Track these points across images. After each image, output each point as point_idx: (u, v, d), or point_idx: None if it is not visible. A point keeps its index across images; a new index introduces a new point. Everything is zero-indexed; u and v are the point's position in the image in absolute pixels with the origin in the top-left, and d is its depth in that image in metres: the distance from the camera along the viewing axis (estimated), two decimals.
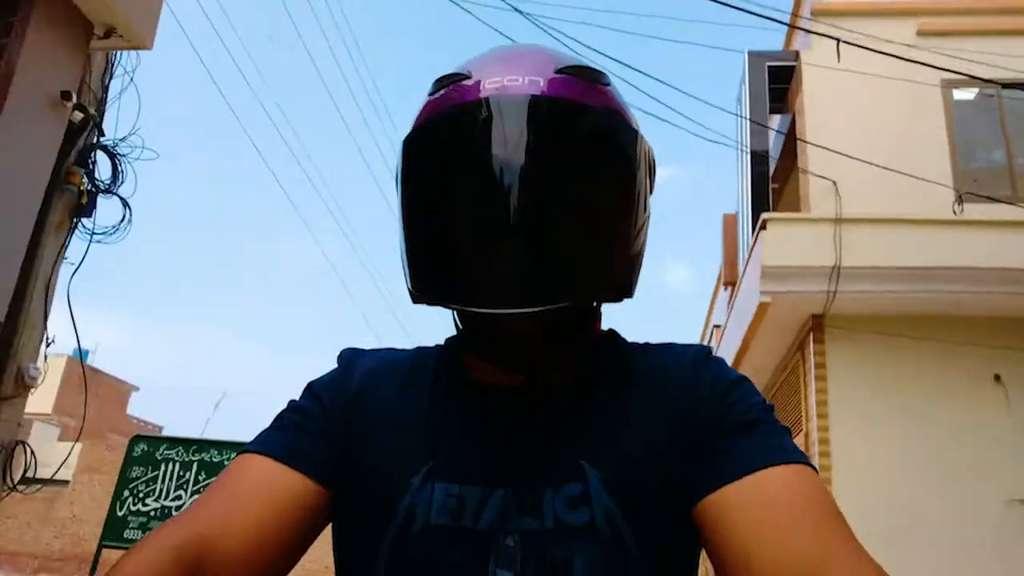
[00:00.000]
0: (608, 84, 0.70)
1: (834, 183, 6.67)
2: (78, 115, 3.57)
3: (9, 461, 3.40)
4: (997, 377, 6.31)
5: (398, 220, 0.71)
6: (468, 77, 0.67)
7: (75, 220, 3.75)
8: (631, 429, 0.68)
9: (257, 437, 0.72)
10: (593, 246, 0.66)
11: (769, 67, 7.92)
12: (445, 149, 0.67)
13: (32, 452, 3.53)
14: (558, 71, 0.67)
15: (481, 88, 0.65)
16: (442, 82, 0.69)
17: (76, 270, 3.74)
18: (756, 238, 6.57)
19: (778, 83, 8.09)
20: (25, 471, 3.49)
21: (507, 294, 0.62)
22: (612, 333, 0.79)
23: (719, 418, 0.67)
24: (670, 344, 0.78)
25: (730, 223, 10.05)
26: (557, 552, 0.63)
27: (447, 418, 0.71)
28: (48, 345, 3.64)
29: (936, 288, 6.11)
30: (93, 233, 3.84)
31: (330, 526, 0.74)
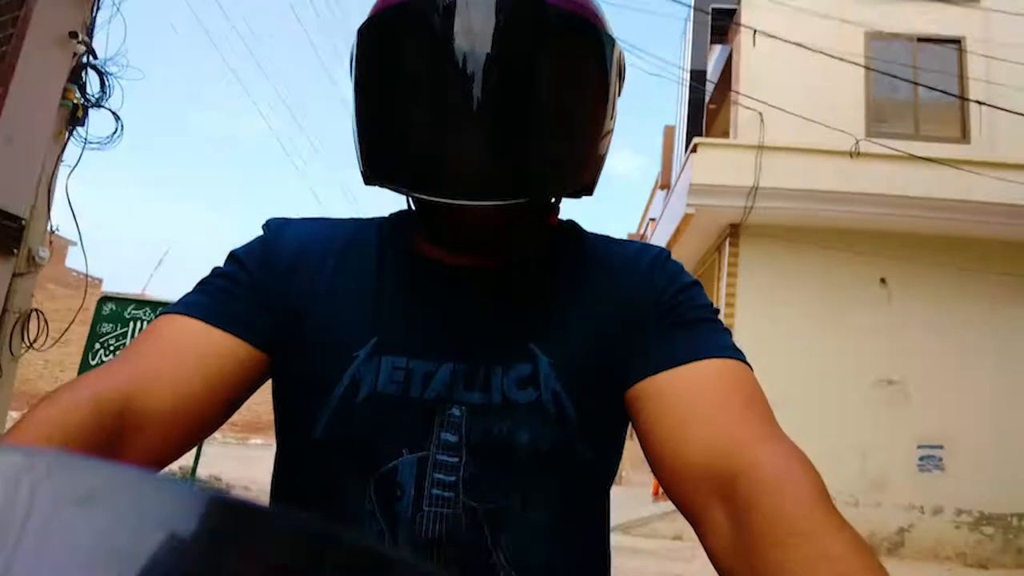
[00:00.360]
0: None
1: (760, 114, 7.65)
2: (81, 47, 4.27)
3: (26, 324, 4.11)
4: (883, 280, 7.55)
5: (353, 104, 0.68)
6: None
7: (71, 129, 4.37)
8: (582, 315, 0.69)
9: (179, 300, 0.69)
10: (559, 142, 0.65)
11: (713, 9, 8.73)
12: (410, 32, 0.65)
13: (45, 318, 4.16)
14: None
15: None
16: None
17: (72, 172, 4.38)
18: (687, 158, 7.60)
19: (721, 19, 8.93)
20: (39, 334, 4.12)
21: (468, 184, 0.61)
22: (571, 223, 0.79)
23: (666, 313, 0.69)
24: (629, 240, 0.78)
25: (669, 135, 11.17)
26: (503, 423, 0.64)
27: (394, 292, 0.70)
28: (52, 232, 4.38)
29: (838, 208, 7.24)
30: (87, 142, 4.47)
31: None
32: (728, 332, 0.69)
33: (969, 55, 7.94)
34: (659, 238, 9.35)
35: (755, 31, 7.87)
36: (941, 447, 7.17)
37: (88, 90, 4.50)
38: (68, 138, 4.54)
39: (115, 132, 4.64)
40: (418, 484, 0.64)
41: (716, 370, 0.64)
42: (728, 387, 0.62)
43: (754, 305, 7.51)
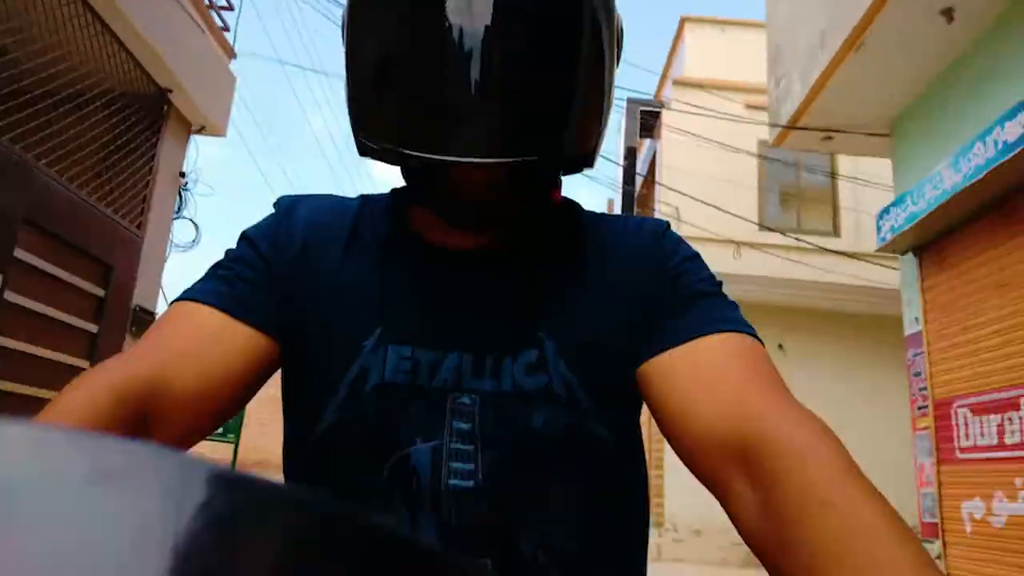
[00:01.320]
0: None
1: (677, 208, 9.35)
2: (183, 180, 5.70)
3: None
4: (780, 346, 9.27)
5: (345, 66, 0.64)
6: None
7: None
8: (587, 298, 0.69)
9: (192, 286, 0.68)
10: (564, 101, 0.62)
11: (641, 111, 10.48)
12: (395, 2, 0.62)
13: None
14: None
15: None
16: None
17: (164, 269, 5.80)
18: None
19: (646, 120, 10.68)
20: None
21: (469, 142, 0.57)
22: (570, 202, 0.77)
23: (669, 290, 0.68)
24: (628, 216, 0.77)
25: (609, 208, 12.84)
26: (515, 410, 0.64)
27: (399, 280, 0.69)
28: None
29: (740, 287, 8.92)
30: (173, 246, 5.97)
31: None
32: (735, 305, 0.69)
33: (840, 157, 9.84)
34: None
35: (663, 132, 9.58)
36: None
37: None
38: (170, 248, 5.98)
39: (194, 239, 6.25)
40: (434, 472, 0.63)
41: (722, 343, 0.63)
42: (738, 358, 0.62)
43: None
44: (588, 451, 0.66)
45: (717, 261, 8.96)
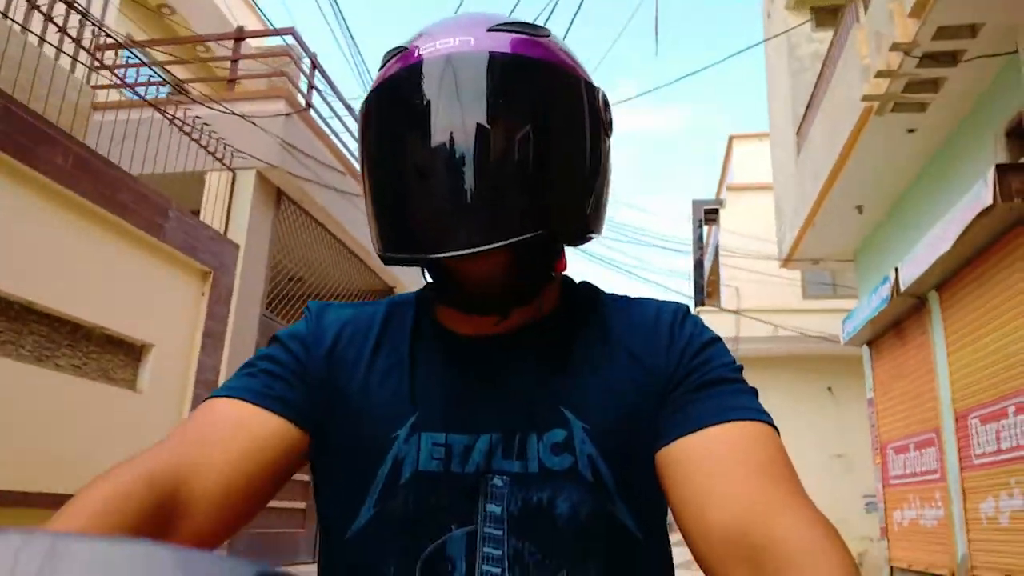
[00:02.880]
0: (546, 35, 0.70)
1: (736, 288, 12.27)
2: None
3: None
4: (830, 388, 11.93)
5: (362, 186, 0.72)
6: (406, 49, 0.68)
7: None
8: (610, 377, 0.70)
9: (225, 384, 0.71)
10: (531, 195, 0.65)
11: (704, 210, 13.52)
12: (385, 113, 0.69)
13: None
14: (490, 29, 0.67)
15: (416, 54, 0.66)
16: (386, 55, 0.71)
17: None
18: None
19: (711, 213, 13.68)
20: None
21: (453, 237, 0.63)
22: (588, 284, 0.80)
23: (689, 374, 0.68)
24: (648, 299, 0.78)
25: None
26: (542, 493, 0.65)
27: (428, 369, 0.72)
28: None
29: (793, 344, 11.69)
30: None
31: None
32: (753, 392, 0.69)
33: None
34: None
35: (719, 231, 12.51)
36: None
37: None
38: None
39: None
40: (468, 559, 0.64)
41: (737, 433, 0.63)
42: (751, 449, 0.62)
43: None
44: (613, 538, 0.66)
45: (777, 322, 11.81)
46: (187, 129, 5.75)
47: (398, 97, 0.68)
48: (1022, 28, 4.59)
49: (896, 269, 6.31)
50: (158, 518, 0.56)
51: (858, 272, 8.43)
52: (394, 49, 0.70)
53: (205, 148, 5.89)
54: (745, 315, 11.91)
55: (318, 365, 0.73)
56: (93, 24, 5.35)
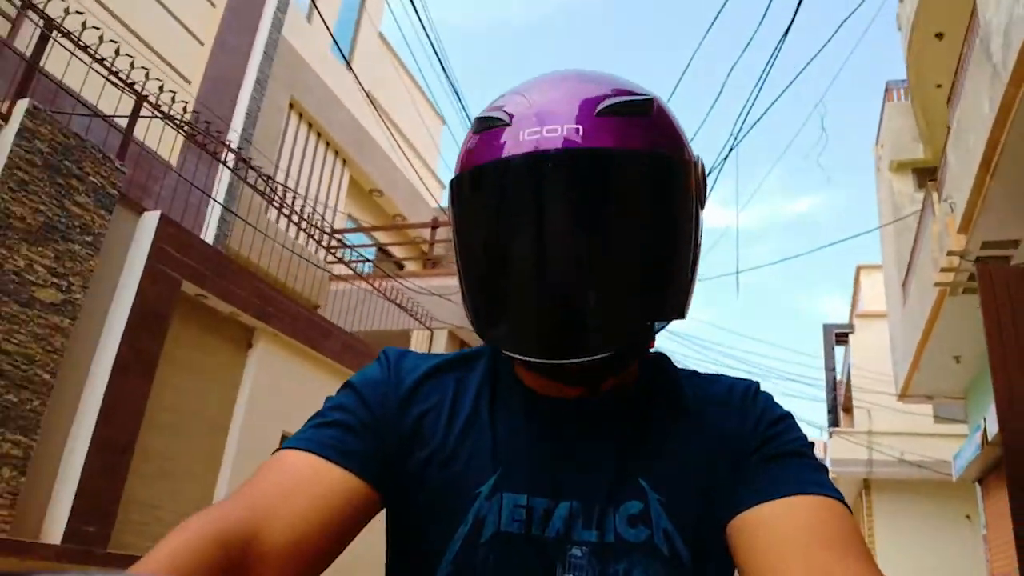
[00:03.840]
0: (652, 106, 0.67)
1: (868, 411, 12.91)
2: None
3: None
4: (968, 516, 12.09)
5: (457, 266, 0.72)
6: (507, 123, 0.65)
7: None
8: (686, 451, 0.71)
9: (296, 434, 0.70)
10: (640, 292, 0.66)
11: (836, 334, 14.35)
12: (486, 204, 0.67)
13: None
14: (599, 113, 0.64)
15: (520, 138, 0.64)
16: (482, 123, 0.68)
17: None
18: (827, 443, 12.98)
19: (841, 336, 14.45)
20: None
21: (559, 346, 0.64)
22: (661, 355, 0.80)
23: (763, 445, 0.69)
24: (721, 375, 0.80)
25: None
26: (619, 565, 0.65)
27: (510, 428, 0.72)
28: None
29: (926, 471, 12.09)
30: None
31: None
32: (824, 468, 0.69)
33: None
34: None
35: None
36: None
37: None
38: None
39: None
40: None
41: (812, 506, 0.63)
42: (828, 523, 0.62)
43: (888, 530, 12.37)
44: None
45: (907, 446, 12.31)
46: (399, 301, 7.96)
47: (505, 186, 0.66)
48: None
49: (984, 419, 7.19)
50: (227, 570, 0.56)
51: (967, 411, 9.15)
52: (490, 118, 0.67)
53: (413, 316, 8.05)
54: (877, 435, 12.51)
55: (393, 415, 0.72)
56: (328, 233, 7.70)
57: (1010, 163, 4.85)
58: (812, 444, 0.72)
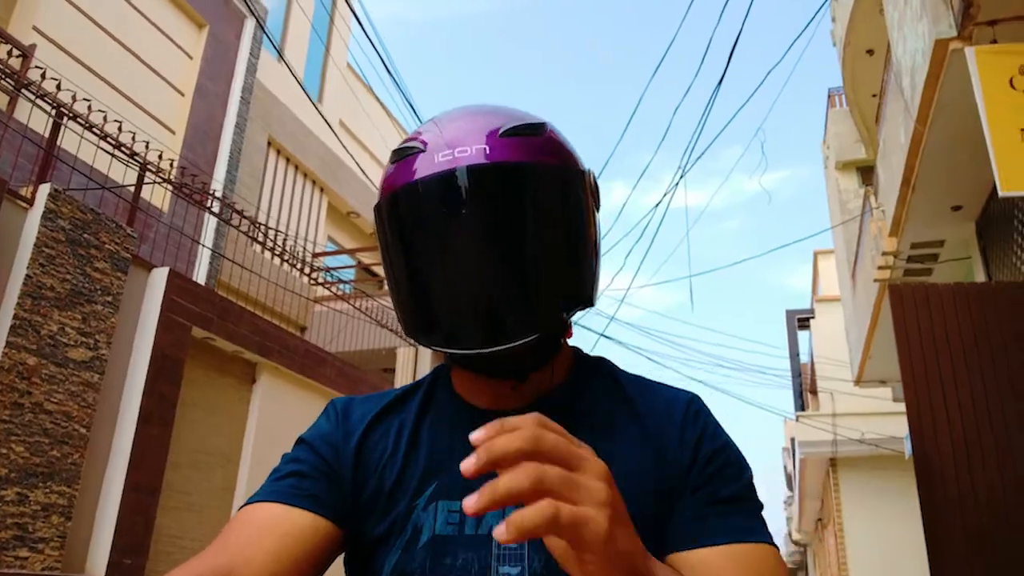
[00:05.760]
0: (547, 131, 0.76)
1: (831, 394, 13.64)
2: None
3: None
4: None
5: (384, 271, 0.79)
6: (423, 150, 0.73)
7: None
8: (623, 456, 0.74)
9: (258, 491, 0.75)
10: (549, 283, 0.73)
11: (798, 319, 15.08)
12: (414, 218, 0.73)
13: None
14: (502, 135, 0.72)
15: (436, 160, 0.72)
16: (400, 153, 0.75)
17: None
18: (792, 426, 13.69)
19: (804, 321, 15.19)
20: None
21: (479, 336, 0.71)
22: (602, 359, 0.86)
23: (706, 484, 0.73)
24: (661, 384, 0.83)
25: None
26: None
27: (447, 441, 0.78)
28: None
29: (883, 444, 12.85)
30: None
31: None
32: (758, 510, 0.74)
33: None
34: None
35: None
36: None
37: None
38: None
39: None
40: None
41: (754, 554, 0.68)
42: (763, 571, 0.67)
43: (855, 505, 13.17)
44: None
45: (870, 426, 13.11)
46: (383, 319, 8.42)
47: (423, 203, 0.72)
48: (971, 241, 6.40)
49: None
50: None
51: None
52: (407, 147, 0.75)
53: (397, 334, 8.52)
54: (840, 417, 13.25)
55: (347, 463, 0.78)
56: (310, 260, 8.12)
57: (927, 184, 5.48)
58: (751, 476, 0.77)
